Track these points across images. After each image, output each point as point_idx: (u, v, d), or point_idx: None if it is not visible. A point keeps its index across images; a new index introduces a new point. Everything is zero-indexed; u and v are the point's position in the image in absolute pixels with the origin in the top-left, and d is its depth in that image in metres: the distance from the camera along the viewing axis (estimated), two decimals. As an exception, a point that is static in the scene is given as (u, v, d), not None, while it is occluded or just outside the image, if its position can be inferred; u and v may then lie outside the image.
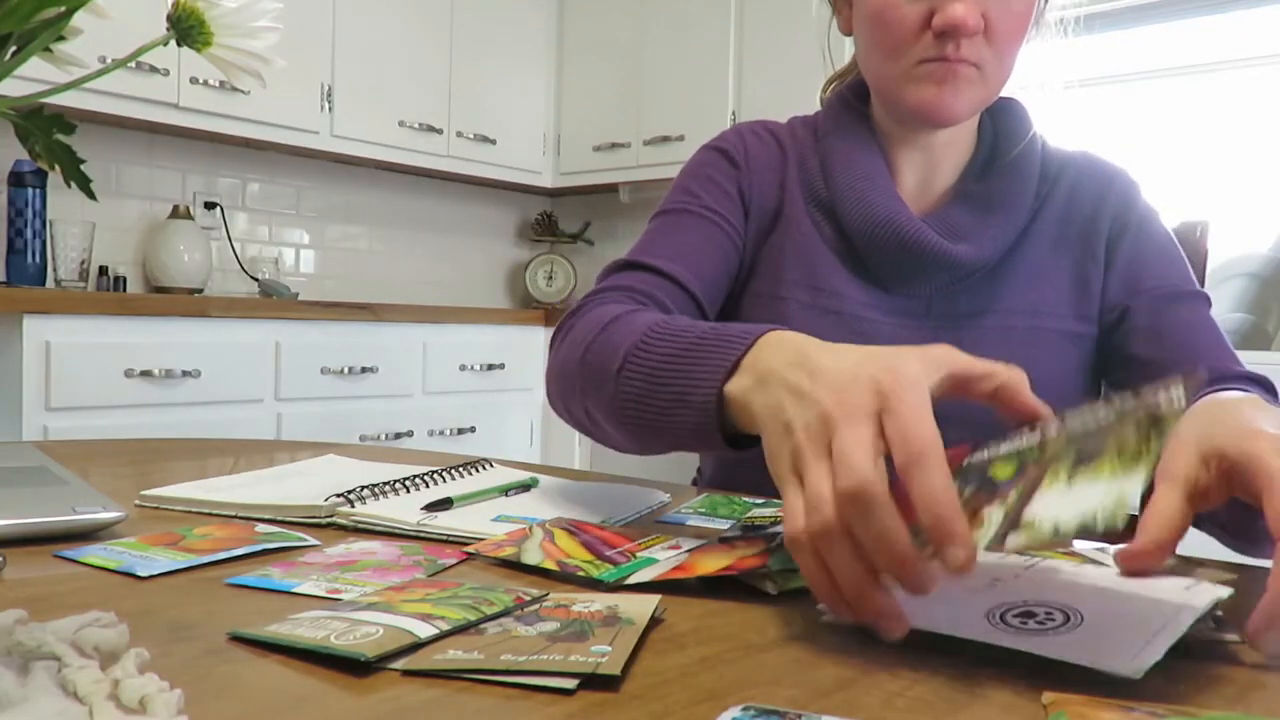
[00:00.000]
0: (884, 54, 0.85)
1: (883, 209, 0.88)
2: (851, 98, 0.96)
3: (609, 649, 0.41)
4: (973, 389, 0.51)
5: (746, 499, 0.83)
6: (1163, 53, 2.86)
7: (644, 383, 0.65)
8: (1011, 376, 0.50)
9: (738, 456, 0.61)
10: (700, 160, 0.98)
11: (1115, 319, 0.89)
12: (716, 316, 0.96)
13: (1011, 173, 0.91)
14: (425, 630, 0.43)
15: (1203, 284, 1.04)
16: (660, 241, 0.91)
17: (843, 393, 0.47)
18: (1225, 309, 2.61)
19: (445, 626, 0.43)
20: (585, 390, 0.72)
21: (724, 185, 0.95)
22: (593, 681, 0.39)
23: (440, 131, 3.34)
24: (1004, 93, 0.92)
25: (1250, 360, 2.78)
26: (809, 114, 1.01)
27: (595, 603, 0.48)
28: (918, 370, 0.48)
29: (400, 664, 0.40)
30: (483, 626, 0.45)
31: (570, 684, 0.38)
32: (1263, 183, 2.70)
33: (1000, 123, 0.94)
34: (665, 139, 3.43)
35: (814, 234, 0.93)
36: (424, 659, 0.41)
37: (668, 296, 0.86)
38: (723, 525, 0.72)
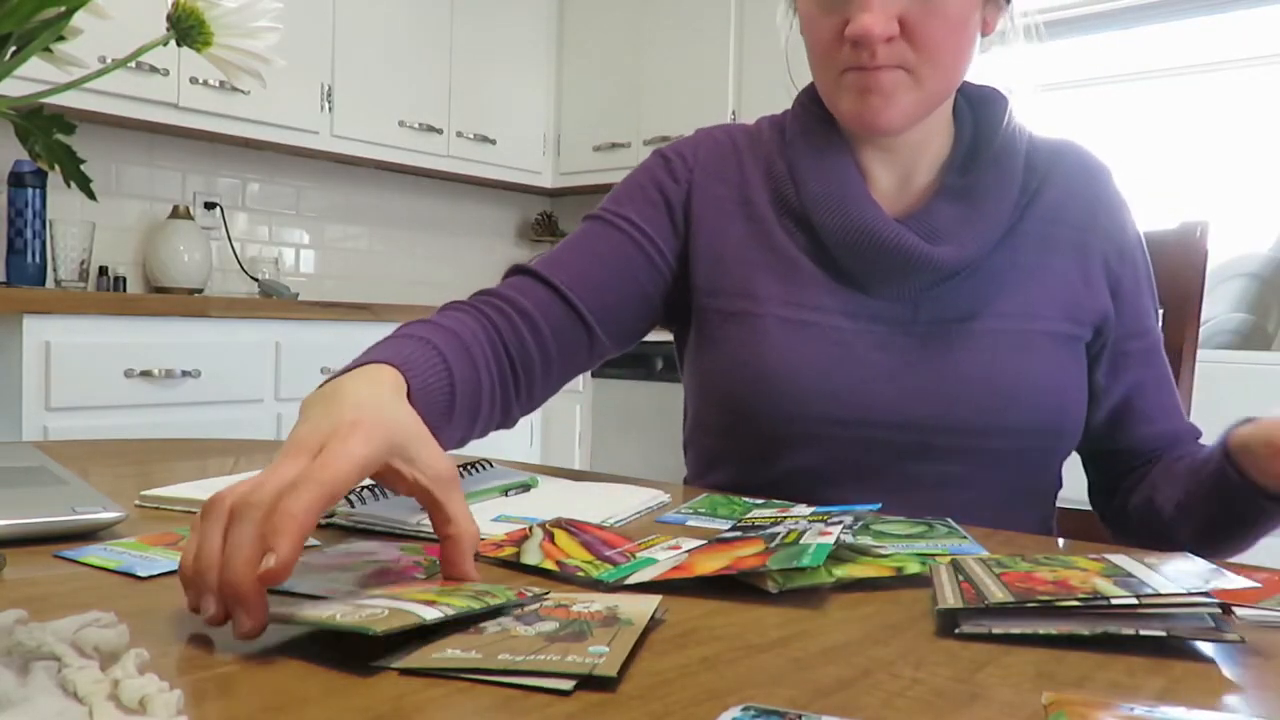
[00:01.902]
0: (814, 63, 0.87)
1: (858, 216, 0.86)
2: (808, 100, 0.94)
3: (606, 650, 0.41)
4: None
5: (747, 499, 0.83)
6: (1163, 53, 2.86)
7: None
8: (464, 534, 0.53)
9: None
10: (642, 166, 0.98)
11: (1098, 340, 0.90)
12: (681, 330, 0.98)
13: (994, 165, 0.89)
14: (430, 613, 0.43)
15: (1203, 284, 1.04)
16: (565, 248, 0.91)
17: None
18: (1225, 309, 2.61)
19: (450, 611, 0.43)
20: None
21: (653, 195, 0.94)
22: (592, 682, 0.39)
23: (440, 131, 3.34)
24: (984, 83, 0.91)
25: (1250, 360, 2.77)
26: (778, 113, 0.99)
27: (595, 603, 0.48)
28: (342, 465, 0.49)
29: (399, 663, 0.40)
30: (482, 625, 0.45)
31: (567, 685, 0.38)
32: (1263, 183, 2.70)
33: (980, 113, 0.92)
34: (665, 139, 3.43)
35: (789, 244, 0.90)
36: (423, 658, 0.41)
37: (538, 305, 0.86)
38: (723, 525, 0.72)
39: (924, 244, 0.85)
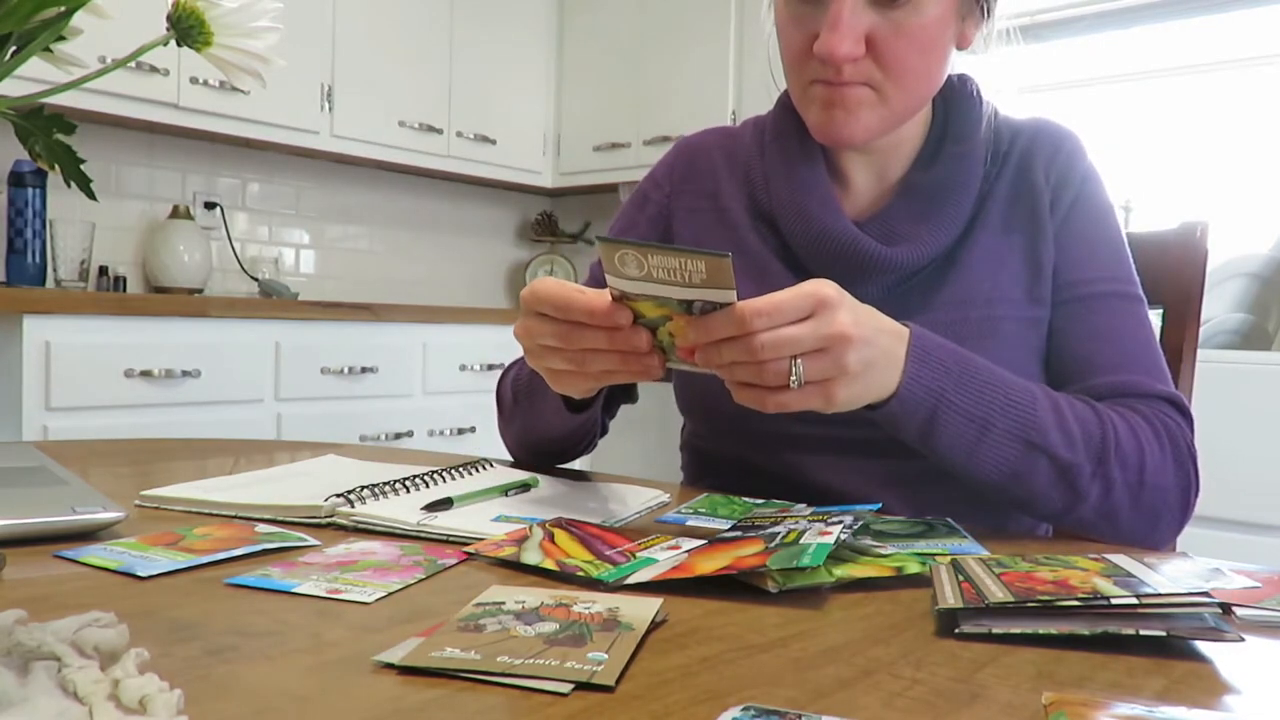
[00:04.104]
0: (785, 70, 0.88)
1: (818, 221, 0.88)
2: (788, 100, 0.95)
3: (605, 657, 0.41)
4: None
5: (747, 499, 0.83)
6: (1162, 53, 2.86)
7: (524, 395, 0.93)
8: None
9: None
10: (622, 208, 1.04)
11: (1053, 301, 0.87)
12: None
13: (958, 160, 0.88)
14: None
15: (1203, 284, 1.04)
16: None
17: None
18: (1225, 309, 2.61)
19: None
20: (509, 427, 1.00)
21: (629, 238, 1.00)
22: (591, 684, 0.39)
23: (440, 131, 3.34)
24: (957, 70, 0.91)
25: (1250, 360, 2.76)
26: (764, 114, 1.00)
27: (596, 604, 0.48)
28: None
29: (399, 659, 0.40)
30: (482, 623, 0.45)
31: (565, 688, 0.38)
32: (1263, 183, 2.70)
33: (951, 103, 0.92)
34: (665, 139, 3.43)
35: (761, 247, 0.93)
36: (422, 656, 0.41)
37: None
38: (723, 525, 0.72)
39: (881, 247, 0.86)
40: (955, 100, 0.92)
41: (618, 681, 0.39)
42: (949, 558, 0.58)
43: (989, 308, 0.86)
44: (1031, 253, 0.88)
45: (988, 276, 0.87)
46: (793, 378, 0.64)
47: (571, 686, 0.38)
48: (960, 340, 0.84)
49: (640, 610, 0.47)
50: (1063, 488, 0.75)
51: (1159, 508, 0.77)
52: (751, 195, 0.95)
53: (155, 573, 0.54)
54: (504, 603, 0.48)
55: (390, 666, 0.40)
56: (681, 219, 0.99)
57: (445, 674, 0.40)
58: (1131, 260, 0.89)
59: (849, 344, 0.65)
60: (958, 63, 0.90)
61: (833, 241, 0.87)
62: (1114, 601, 0.46)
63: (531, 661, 0.40)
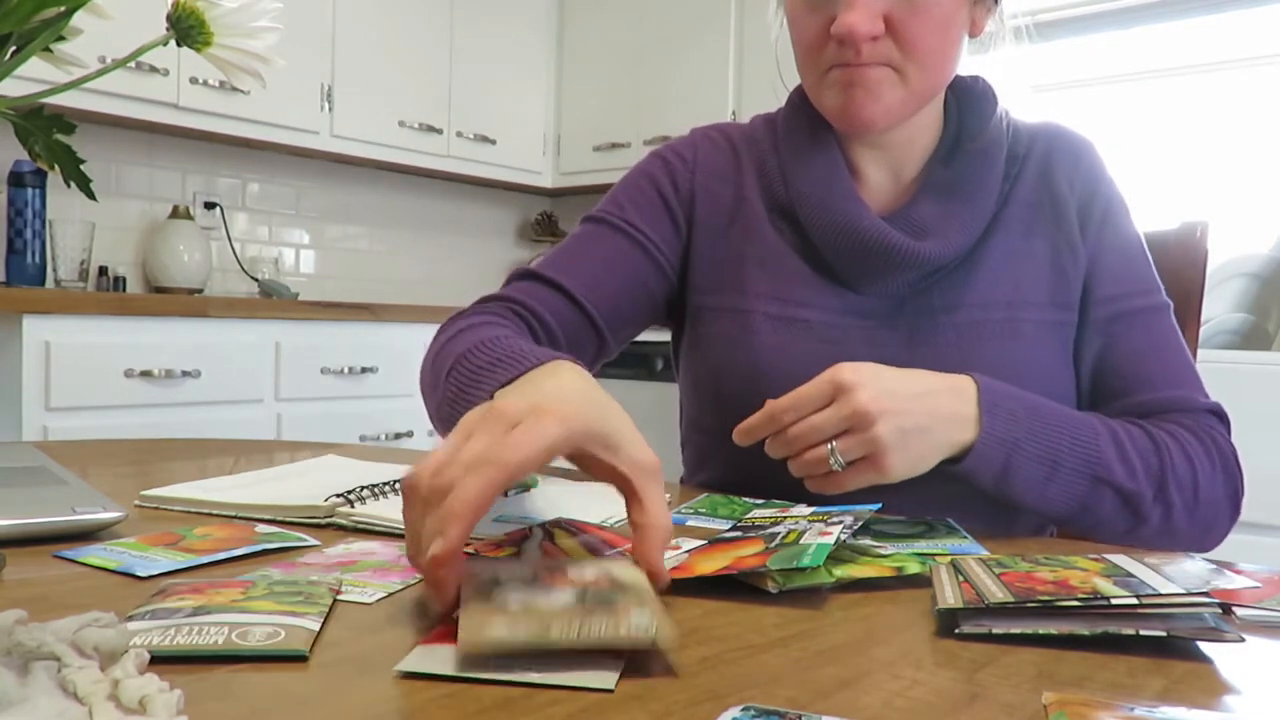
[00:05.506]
0: (800, 61, 0.87)
1: (842, 214, 0.87)
2: (799, 99, 0.95)
3: (649, 619, 0.41)
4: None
5: (747, 499, 0.83)
6: (1163, 53, 2.86)
7: (458, 389, 0.71)
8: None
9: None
10: (641, 168, 0.98)
11: (1081, 315, 0.88)
12: (676, 328, 0.99)
13: (978, 156, 0.88)
14: (310, 623, 0.44)
15: (1203, 284, 1.04)
16: (569, 252, 0.93)
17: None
18: (1225, 309, 2.61)
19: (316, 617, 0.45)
20: (427, 390, 0.83)
21: (654, 198, 0.95)
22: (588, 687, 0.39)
23: (440, 131, 3.34)
24: (971, 71, 0.91)
25: (1250, 360, 2.76)
26: (772, 111, 0.99)
27: (587, 569, 0.48)
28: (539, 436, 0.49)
29: (430, 668, 0.40)
30: (503, 599, 0.44)
31: (609, 684, 0.39)
32: (1263, 183, 2.70)
33: (965, 102, 0.92)
34: (665, 139, 3.41)
35: (778, 241, 0.91)
36: (470, 642, 0.40)
37: (551, 309, 0.89)
38: (723, 525, 0.72)
39: (909, 240, 0.85)
40: (968, 98, 0.92)
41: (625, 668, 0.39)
42: (949, 558, 0.58)
43: (1010, 310, 0.86)
44: (1055, 259, 0.88)
45: (1009, 279, 0.87)
46: (831, 461, 0.71)
47: (616, 678, 0.39)
48: (983, 341, 0.85)
49: (632, 572, 0.47)
50: (1127, 514, 0.77)
51: (1211, 520, 0.81)
52: (768, 188, 0.94)
53: (155, 573, 0.54)
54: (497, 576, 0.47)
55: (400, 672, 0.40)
56: (705, 205, 0.95)
57: (444, 675, 0.39)
58: (1153, 262, 0.90)
59: (871, 420, 0.69)
60: (965, 66, 0.90)
61: (860, 235, 0.86)
62: (1114, 602, 0.46)
63: (586, 630, 0.40)
